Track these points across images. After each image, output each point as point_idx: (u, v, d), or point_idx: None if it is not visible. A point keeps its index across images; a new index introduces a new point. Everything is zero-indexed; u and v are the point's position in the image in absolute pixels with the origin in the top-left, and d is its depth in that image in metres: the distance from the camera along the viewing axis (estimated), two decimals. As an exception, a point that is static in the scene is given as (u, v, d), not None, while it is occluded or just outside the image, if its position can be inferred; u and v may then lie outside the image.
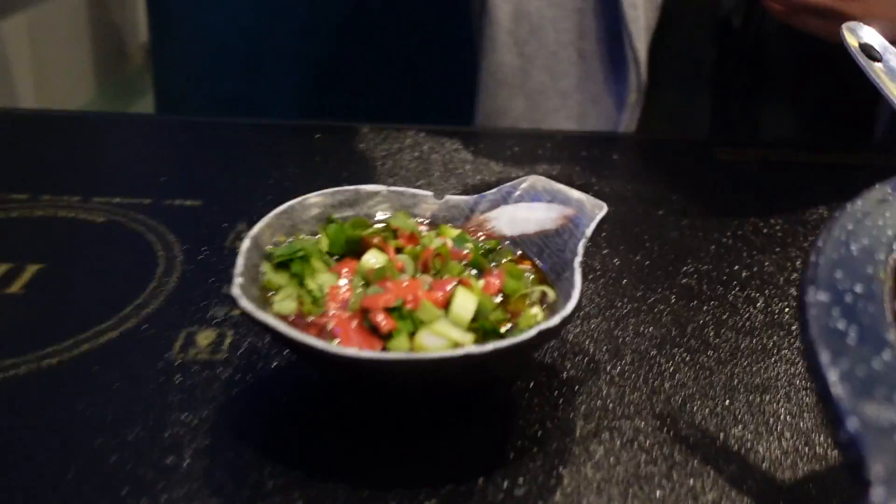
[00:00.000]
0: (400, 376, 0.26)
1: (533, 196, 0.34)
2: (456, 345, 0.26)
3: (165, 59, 1.12)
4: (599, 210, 0.32)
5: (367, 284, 0.29)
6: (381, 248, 0.30)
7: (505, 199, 0.34)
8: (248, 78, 1.05)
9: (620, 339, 0.34)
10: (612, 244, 0.42)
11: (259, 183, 0.47)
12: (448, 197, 0.34)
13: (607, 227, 0.43)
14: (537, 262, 0.32)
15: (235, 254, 0.28)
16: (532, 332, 0.25)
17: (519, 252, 0.33)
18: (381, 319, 0.27)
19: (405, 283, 0.29)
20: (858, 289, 0.20)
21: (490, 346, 0.24)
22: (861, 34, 0.32)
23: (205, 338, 0.31)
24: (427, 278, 0.29)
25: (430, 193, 0.34)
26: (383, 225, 0.33)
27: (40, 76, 1.36)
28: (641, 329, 0.34)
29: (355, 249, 0.31)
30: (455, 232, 0.33)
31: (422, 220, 0.34)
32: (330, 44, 1.01)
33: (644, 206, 0.47)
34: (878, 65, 0.31)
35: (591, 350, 0.33)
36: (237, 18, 1.05)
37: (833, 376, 0.17)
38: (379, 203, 0.34)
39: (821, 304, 0.19)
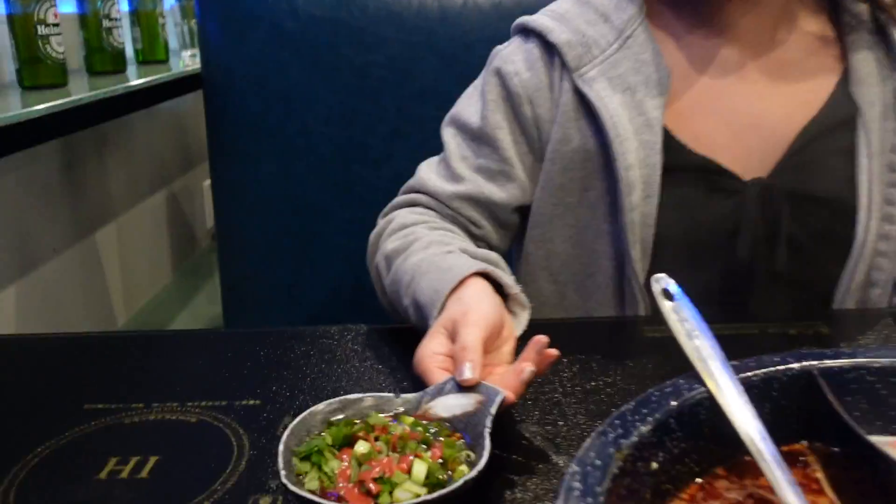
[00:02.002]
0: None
1: (458, 388, 0.53)
2: (416, 496, 0.45)
3: (229, 244, 1.36)
4: (497, 395, 0.50)
5: (360, 464, 0.48)
6: (366, 440, 0.49)
7: (440, 391, 0.53)
8: (299, 270, 1.28)
9: (531, 488, 0.51)
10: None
11: (298, 382, 0.66)
12: (402, 395, 0.53)
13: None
14: (464, 435, 0.51)
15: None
16: (458, 483, 0.44)
17: (453, 428, 0.51)
18: (371, 486, 0.46)
19: (384, 460, 0.47)
20: (598, 462, 0.38)
21: (435, 494, 0.43)
22: (663, 282, 0.51)
23: (265, 502, 0.50)
24: (395, 455, 0.48)
25: (391, 395, 0.53)
26: (364, 422, 0.51)
27: (126, 270, 1.62)
28: None
29: (350, 441, 0.49)
30: (410, 419, 0.52)
31: (391, 413, 0.53)
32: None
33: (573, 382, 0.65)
34: (670, 303, 0.50)
35: None
36: (288, 220, 1.30)
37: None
38: (363, 405, 0.53)
39: (573, 472, 0.37)
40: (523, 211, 0.85)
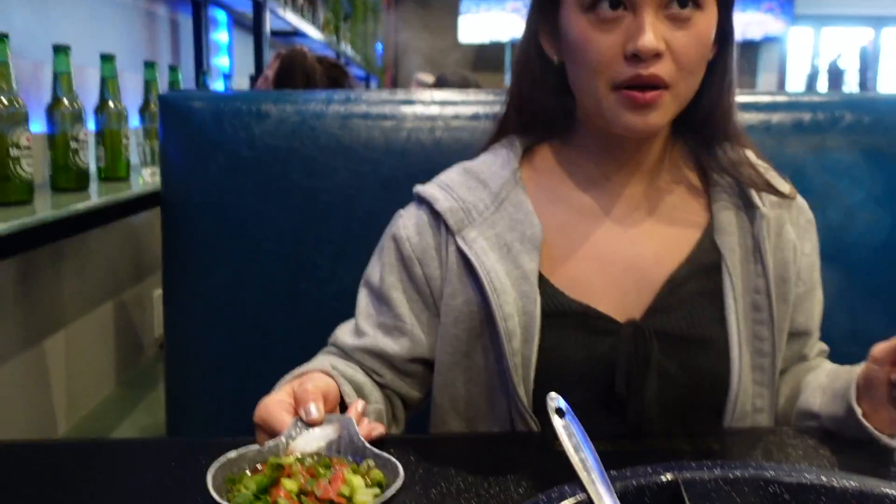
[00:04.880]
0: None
1: (306, 427, 0.62)
2: (375, 496, 0.53)
3: (176, 353, 1.40)
4: (349, 419, 0.61)
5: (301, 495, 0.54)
6: (290, 476, 0.55)
7: (293, 435, 0.62)
8: (244, 382, 1.33)
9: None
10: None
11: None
12: (267, 443, 0.61)
13: None
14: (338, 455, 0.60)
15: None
16: (400, 477, 0.53)
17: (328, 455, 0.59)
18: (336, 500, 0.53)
19: (322, 484, 0.54)
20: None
21: (394, 486, 0.52)
22: (556, 401, 0.59)
23: None
24: (323, 479, 0.55)
25: (257, 446, 0.60)
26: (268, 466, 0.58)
27: (71, 378, 1.64)
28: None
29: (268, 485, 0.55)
30: (292, 458, 0.58)
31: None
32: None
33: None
34: (561, 420, 0.58)
35: None
36: (236, 333, 1.36)
37: None
38: (247, 457, 0.60)
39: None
40: (427, 363, 0.95)
